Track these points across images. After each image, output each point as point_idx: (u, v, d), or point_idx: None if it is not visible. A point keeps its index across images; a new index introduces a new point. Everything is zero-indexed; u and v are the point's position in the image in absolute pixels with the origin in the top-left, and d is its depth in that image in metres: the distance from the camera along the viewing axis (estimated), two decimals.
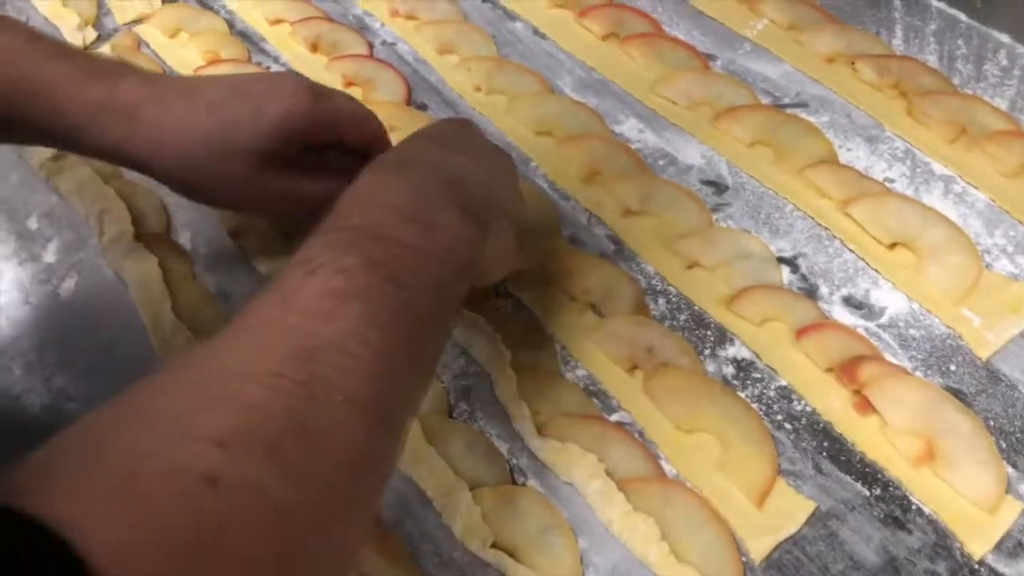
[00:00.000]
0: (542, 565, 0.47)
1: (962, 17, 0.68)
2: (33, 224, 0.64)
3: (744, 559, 0.46)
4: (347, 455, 0.30)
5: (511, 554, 0.47)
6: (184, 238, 0.62)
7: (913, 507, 0.47)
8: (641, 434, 0.51)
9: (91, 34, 0.74)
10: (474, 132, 0.51)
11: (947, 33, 0.67)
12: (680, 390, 0.51)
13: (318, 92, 0.49)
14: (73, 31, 0.74)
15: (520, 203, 0.49)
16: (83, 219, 0.63)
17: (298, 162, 0.50)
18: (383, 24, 0.74)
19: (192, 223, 0.63)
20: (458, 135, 0.49)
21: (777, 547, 0.47)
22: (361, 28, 0.73)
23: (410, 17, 0.73)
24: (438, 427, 0.51)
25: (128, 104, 0.46)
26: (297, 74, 0.59)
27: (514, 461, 0.51)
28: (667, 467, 0.50)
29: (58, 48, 0.49)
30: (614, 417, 0.52)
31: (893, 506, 0.47)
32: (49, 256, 0.62)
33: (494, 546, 0.47)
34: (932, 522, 0.47)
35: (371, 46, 0.72)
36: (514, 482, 0.50)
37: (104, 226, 0.61)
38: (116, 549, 0.21)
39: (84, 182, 0.64)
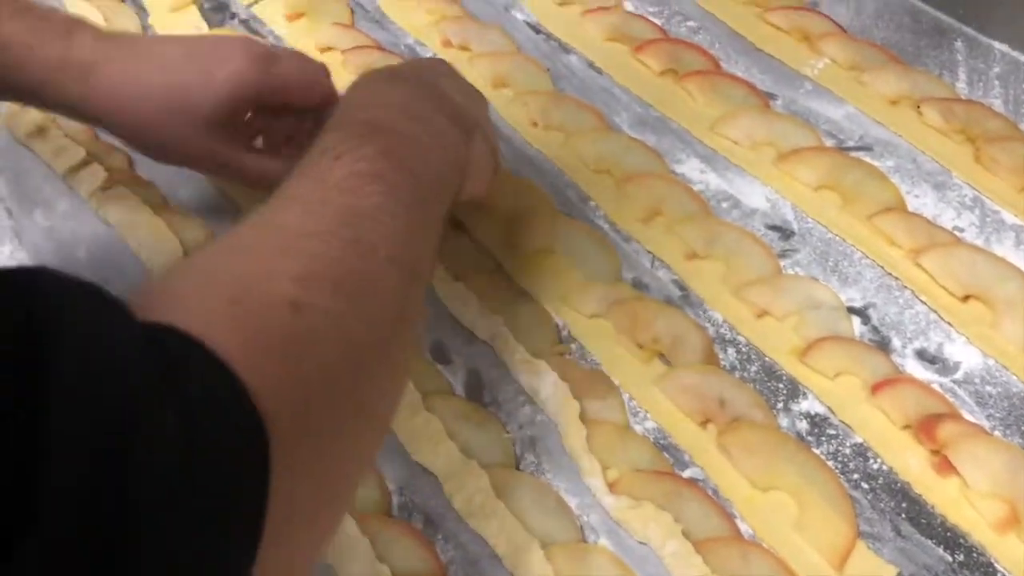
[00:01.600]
0: None
1: None
2: (81, 254, 0.63)
3: None
4: (392, 298, 0.36)
5: None
6: None
7: (998, 574, 0.46)
8: (715, 491, 0.50)
9: None
10: (448, 67, 0.54)
11: (1012, 76, 0.66)
12: (755, 446, 0.50)
13: (268, 56, 0.52)
14: None
15: (490, 127, 0.54)
16: (129, 249, 0.62)
17: (248, 128, 0.54)
18: (435, 54, 0.73)
19: None
20: (435, 66, 0.55)
21: None
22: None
23: (463, 48, 0.72)
24: (506, 480, 0.50)
25: (83, 62, 0.48)
26: (249, 38, 0.60)
27: (584, 518, 0.49)
28: (742, 526, 0.49)
29: (18, 6, 0.50)
30: (686, 473, 0.51)
31: (978, 573, 0.46)
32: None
33: None
34: None
35: None
36: (584, 539, 0.49)
37: (153, 256, 0.60)
38: (232, 352, 0.26)
39: (133, 213, 0.62)
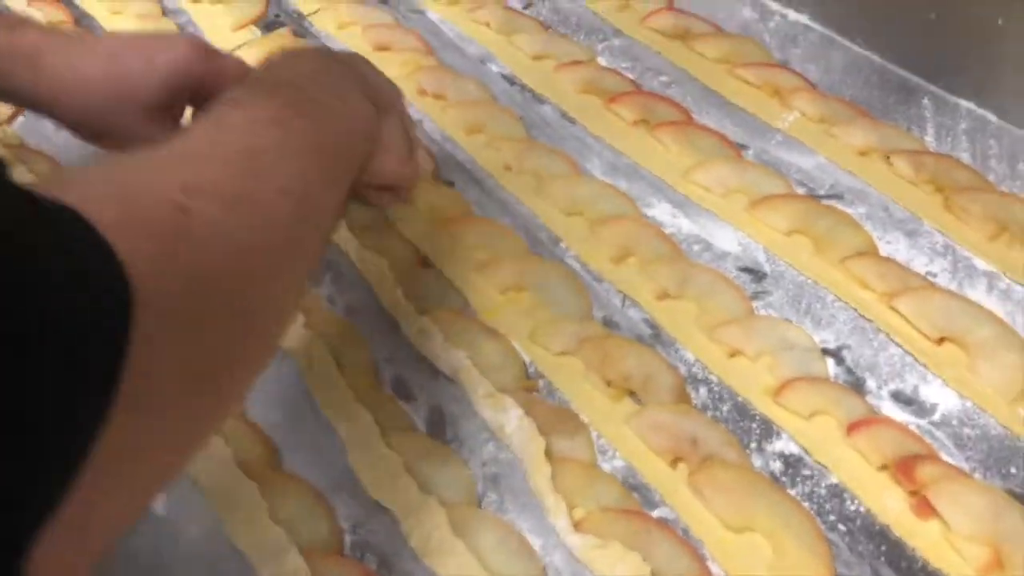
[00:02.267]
0: None
1: (992, 117, 0.68)
2: None
3: None
4: (282, 226, 0.36)
5: None
6: None
7: None
8: (686, 532, 0.47)
9: None
10: (366, 60, 0.55)
11: (978, 133, 0.67)
12: (728, 485, 0.48)
13: (209, 51, 0.52)
14: None
15: (406, 113, 0.56)
16: None
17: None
18: (410, 103, 0.73)
19: None
20: (353, 55, 0.56)
21: None
22: None
23: (438, 97, 0.72)
24: (466, 518, 0.47)
25: (30, 50, 0.49)
26: (193, 36, 0.62)
27: (548, 559, 0.47)
28: (714, 568, 0.46)
29: None
30: (656, 513, 0.48)
31: None
32: None
33: None
34: None
35: None
36: None
37: None
38: (112, 229, 0.26)
39: None
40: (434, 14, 0.82)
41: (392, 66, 0.75)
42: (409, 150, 0.53)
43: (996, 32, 0.66)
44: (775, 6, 0.79)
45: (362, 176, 0.52)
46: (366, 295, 0.59)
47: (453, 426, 0.52)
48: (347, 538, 0.48)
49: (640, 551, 0.46)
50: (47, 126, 0.57)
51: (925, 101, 0.70)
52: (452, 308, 0.58)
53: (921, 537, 0.46)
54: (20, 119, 0.72)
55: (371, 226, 0.62)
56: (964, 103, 0.69)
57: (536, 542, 0.47)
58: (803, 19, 0.78)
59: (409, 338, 0.56)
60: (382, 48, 0.77)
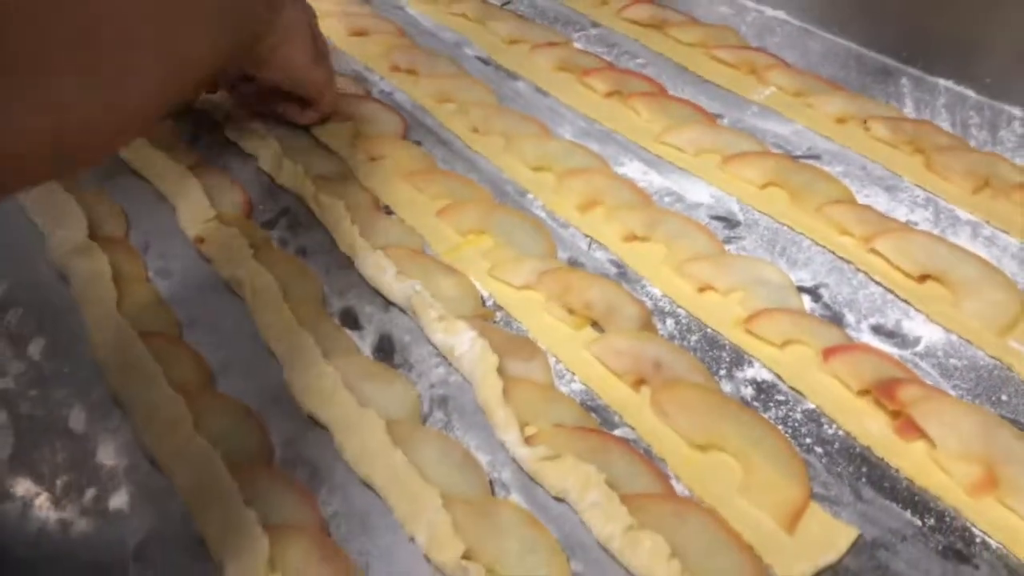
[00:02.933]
0: None
1: (971, 93, 0.67)
2: None
3: None
4: None
5: None
6: (140, 242, 0.56)
7: (977, 539, 0.39)
8: (647, 452, 0.43)
9: None
10: None
11: (957, 106, 0.66)
12: (693, 405, 0.44)
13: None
14: None
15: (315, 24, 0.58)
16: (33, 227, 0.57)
17: None
18: (382, 77, 0.72)
19: (152, 230, 0.57)
20: None
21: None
22: (358, 80, 0.71)
23: (410, 71, 0.72)
24: (406, 434, 0.43)
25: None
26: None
27: (495, 474, 0.42)
28: (678, 487, 0.42)
29: None
30: (615, 433, 0.44)
31: (953, 537, 0.39)
32: None
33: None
34: (1001, 556, 0.38)
35: (368, 92, 0.69)
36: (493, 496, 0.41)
37: (57, 229, 0.56)
38: None
39: (41, 191, 0.59)
40: (412, 10, 0.82)
41: (366, 46, 0.75)
42: (318, 54, 0.55)
43: (976, 10, 0.65)
44: (750, 3, 0.79)
45: (266, 72, 0.56)
46: (321, 237, 0.56)
47: (402, 352, 0.49)
48: (278, 452, 0.44)
49: (595, 465, 0.41)
50: None
51: (903, 80, 0.69)
52: (410, 247, 0.55)
53: (905, 458, 0.42)
54: None
55: (331, 176, 0.60)
56: (943, 82, 0.68)
57: (483, 459, 0.43)
58: (779, 14, 0.78)
59: (363, 274, 0.53)
60: (358, 33, 0.77)
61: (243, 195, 0.59)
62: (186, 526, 0.40)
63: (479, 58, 0.74)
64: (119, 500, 0.42)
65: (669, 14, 0.77)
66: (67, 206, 0.57)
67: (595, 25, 0.78)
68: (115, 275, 0.52)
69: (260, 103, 0.65)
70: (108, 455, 0.44)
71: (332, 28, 0.78)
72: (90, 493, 0.42)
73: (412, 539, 0.39)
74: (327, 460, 0.43)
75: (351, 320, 0.51)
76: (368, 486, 0.42)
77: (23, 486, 0.42)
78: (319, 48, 0.58)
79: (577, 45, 0.75)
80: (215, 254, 0.54)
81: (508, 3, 0.83)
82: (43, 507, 0.41)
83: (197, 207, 0.57)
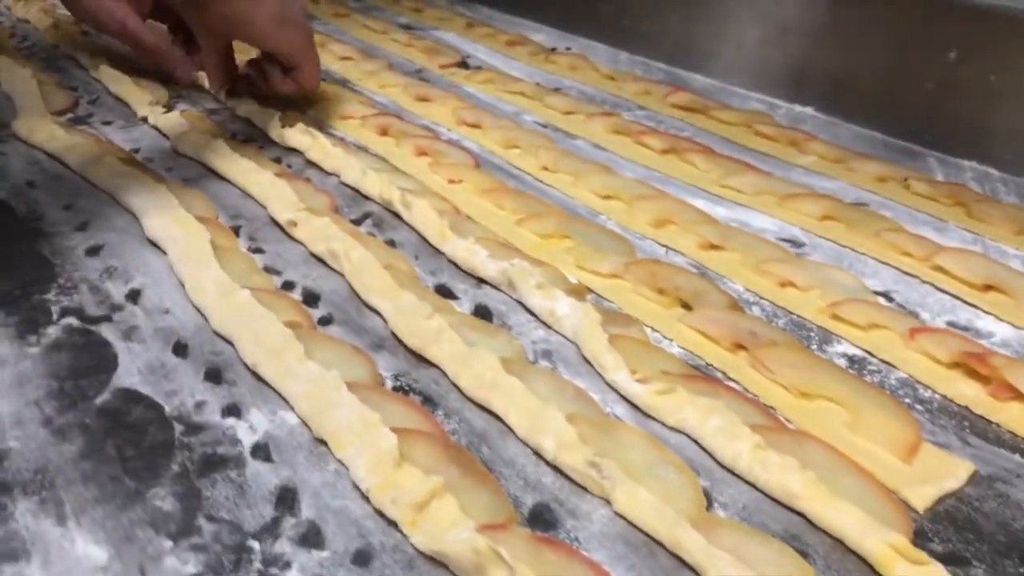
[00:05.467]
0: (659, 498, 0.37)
1: (994, 171, 0.73)
2: None
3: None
4: None
5: None
6: (229, 225, 0.58)
7: None
8: (755, 398, 0.44)
9: (160, 110, 0.76)
10: None
11: (984, 179, 0.71)
12: (795, 363, 0.45)
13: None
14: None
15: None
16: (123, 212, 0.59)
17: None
18: (449, 129, 0.77)
19: (241, 217, 0.59)
20: None
21: (940, 501, 0.38)
22: (427, 129, 0.76)
23: (475, 126, 0.76)
24: (519, 370, 0.43)
25: None
26: None
27: (608, 410, 0.43)
28: (790, 427, 0.42)
29: None
30: None
31: None
32: None
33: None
34: None
35: (437, 136, 0.74)
36: None
37: (150, 210, 0.57)
38: None
39: (132, 183, 0.61)
40: (470, 88, 0.88)
41: (432, 107, 0.80)
42: (285, 17, 0.62)
43: (991, 91, 0.72)
44: (780, 101, 0.87)
45: (233, 30, 0.63)
46: (407, 233, 0.59)
47: (500, 318, 0.50)
48: (388, 384, 0.44)
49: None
50: None
51: (931, 160, 0.75)
52: (492, 240, 0.57)
53: (1004, 413, 0.43)
54: None
55: (414, 190, 0.63)
56: (967, 163, 0.74)
57: (595, 398, 0.43)
58: (808, 110, 0.85)
59: (452, 257, 0.55)
60: (422, 99, 0.82)
61: (329, 197, 0.62)
62: (302, 431, 0.40)
63: (537, 123, 0.80)
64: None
65: (709, 102, 0.84)
66: (157, 192, 0.59)
67: (641, 108, 0.84)
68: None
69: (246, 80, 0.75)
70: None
71: (397, 96, 0.83)
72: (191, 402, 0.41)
73: (537, 449, 0.39)
74: (439, 391, 0.43)
75: (446, 292, 0.52)
76: (485, 409, 0.42)
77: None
78: (289, 12, 0.64)
79: (628, 118, 0.80)
80: (308, 236, 0.56)
81: (554, 50, 0.91)
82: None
83: (288, 199, 0.59)
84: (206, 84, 0.79)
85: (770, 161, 0.73)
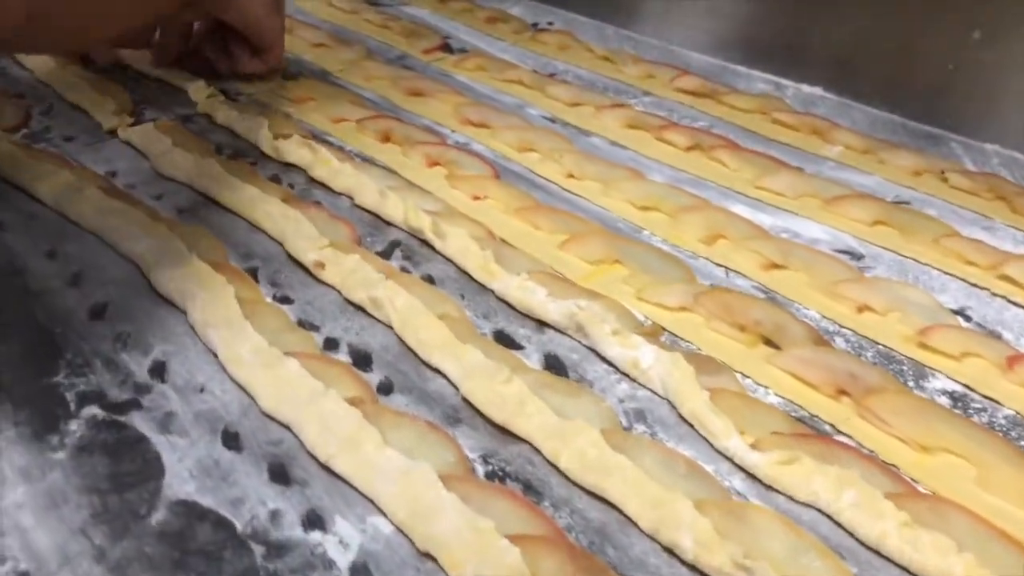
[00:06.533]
0: None
1: (1020, 156, 0.71)
2: None
3: None
4: None
5: None
6: (244, 269, 0.51)
7: None
8: (873, 456, 0.41)
9: (127, 120, 0.68)
10: None
11: (1013, 165, 0.69)
12: (907, 411, 0.42)
13: None
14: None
15: None
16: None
17: None
18: (453, 130, 0.70)
19: (256, 258, 0.52)
20: None
21: None
22: (430, 131, 0.70)
23: (483, 125, 0.70)
24: (620, 442, 0.39)
25: None
26: None
27: (726, 483, 0.39)
28: (919, 488, 0.39)
29: None
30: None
31: None
32: None
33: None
34: None
35: (443, 141, 0.68)
36: None
37: (161, 259, 0.50)
38: None
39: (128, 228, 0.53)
40: (461, 76, 0.82)
41: (430, 104, 0.74)
42: (277, 3, 0.65)
43: (1016, 73, 0.70)
44: (787, 81, 0.83)
45: (226, 15, 0.63)
46: (444, 266, 0.53)
47: (575, 370, 0.45)
48: (478, 468, 0.39)
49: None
50: None
51: (953, 145, 0.73)
52: (546, 272, 0.52)
53: None
54: None
55: (438, 212, 0.57)
56: (990, 146, 0.72)
57: (708, 468, 0.39)
58: (817, 90, 0.82)
59: (505, 296, 0.50)
60: (416, 94, 0.76)
61: (348, 227, 0.55)
62: (401, 542, 0.35)
63: (544, 117, 0.74)
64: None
65: (717, 86, 0.80)
66: (156, 232, 0.52)
67: (647, 94, 0.80)
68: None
69: (196, 57, 0.74)
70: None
71: (387, 90, 0.76)
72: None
73: (672, 547, 0.35)
74: (538, 474, 0.39)
75: (508, 341, 0.47)
76: (595, 496, 0.37)
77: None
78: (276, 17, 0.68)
79: (638, 108, 0.76)
80: (339, 279, 0.50)
81: (536, 25, 0.87)
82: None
83: (307, 235, 0.53)
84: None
85: (797, 154, 0.70)
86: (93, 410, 0.40)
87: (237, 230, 0.55)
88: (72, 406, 0.40)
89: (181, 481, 0.37)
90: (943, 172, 0.66)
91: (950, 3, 0.73)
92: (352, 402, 0.40)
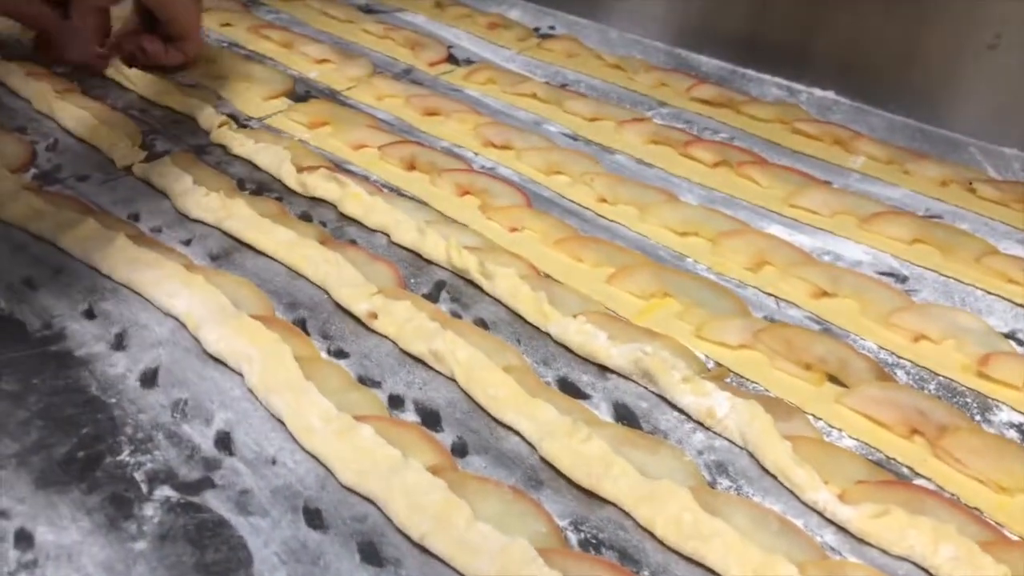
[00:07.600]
0: None
1: None
2: None
3: None
4: None
5: None
6: (294, 323, 0.50)
7: None
8: (956, 500, 0.41)
9: (140, 154, 0.65)
10: None
11: None
12: (983, 450, 0.42)
13: None
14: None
15: None
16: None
17: None
18: (476, 153, 0.69)
19: (301, 309, 0.51)
20: None
21: None
22: (454, 156, 0.68)
23: (506, 147, 0.69)
24: (709, 501, 0.39)
25: None
26: None
27: (818, 538, 0.39)
28: (1007, 533, 0.39)
29: None
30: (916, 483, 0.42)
31: None
32: None
33: None
34: None
35: (470, 168, 0.66)
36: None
37: (202, 313, 0.49)
38: None
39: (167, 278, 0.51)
40: (472, 91, 0.80)
41: (448, 125, 0.72)
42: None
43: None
44: (799, 85, 0.83)
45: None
46: (495, 307, 0.52)
47: (647, 419, 0.45)
48: (571, 537, 0.38)
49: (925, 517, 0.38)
50: None
51: (973, 150, 0.73)
52: (597, 312, 0.51)
53: None
54: None
55: (478, 247, 0.56)
56: (1009, 150, 0.72)
57: (798, 523, 0.39)
58: (829, 94, 0.81)
59: (563, 341, 0.49)
60: (432, 113, 0.74)
61: (391, 268, 0.54)
62: None
63: (564, 133, 0.73)
64: None
65: (733, 94, 0.79)
66: (195, 285, 0.50)
67: (663, 104, 0.79)
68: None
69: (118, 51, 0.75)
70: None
71: (401, 110, 0.75)
72: None
73: None
74: (632, 541, 0.38)
75: (573, 390, 0.46)
76: (692, 560, 0.37)
77: None
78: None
79: (657, 120, 0.75)
80: (395, 330, 0.49)
81: (538, 30, 0.90)
82: None
83: (351, 282, 0.51)
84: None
85: (822, 166, 0.70)
86: (166, 491, 0.39)
87: (276, 277, 0.54)
88: (144, 487, 0.39)
89: (271, 568, 0.36)
90: (970, 183, 0.66)
91: (969, 3, 0.72)
92: (434, 470, 0.39)
